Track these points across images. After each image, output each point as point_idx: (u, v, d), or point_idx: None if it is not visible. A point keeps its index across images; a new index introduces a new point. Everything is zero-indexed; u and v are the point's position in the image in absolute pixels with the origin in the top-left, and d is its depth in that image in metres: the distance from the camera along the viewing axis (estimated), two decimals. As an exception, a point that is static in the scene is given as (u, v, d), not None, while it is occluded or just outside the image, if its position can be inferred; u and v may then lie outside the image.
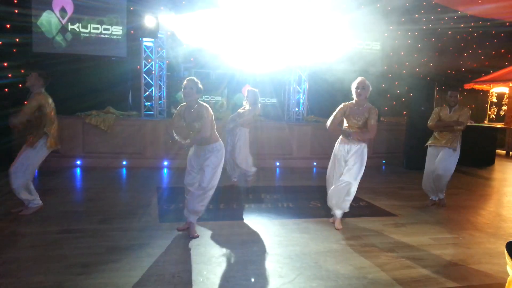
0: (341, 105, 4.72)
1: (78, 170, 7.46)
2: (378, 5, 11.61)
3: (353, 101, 4.68)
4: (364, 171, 4.67)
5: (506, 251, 2.73)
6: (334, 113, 4.73)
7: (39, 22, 9.02)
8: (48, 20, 9.06)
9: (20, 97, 9.16)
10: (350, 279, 3.31)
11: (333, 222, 4.73)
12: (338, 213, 4.66)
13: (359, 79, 4.65)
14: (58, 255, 3.56)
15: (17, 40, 9.10)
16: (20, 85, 9.18)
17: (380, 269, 3.52)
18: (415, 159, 8.43)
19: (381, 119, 10.13)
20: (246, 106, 6.35)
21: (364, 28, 11.06)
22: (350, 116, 4.64)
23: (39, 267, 3.31)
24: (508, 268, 2.80)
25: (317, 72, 10.27)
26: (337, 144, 4.77)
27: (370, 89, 4.65)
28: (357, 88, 4.59)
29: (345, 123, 4.74)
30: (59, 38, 9.19)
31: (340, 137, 4.75)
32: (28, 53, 9.00)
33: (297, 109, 10.07)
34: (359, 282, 3.26)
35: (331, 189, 4.69)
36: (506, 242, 2.76)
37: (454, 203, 6.05)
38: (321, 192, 6.47)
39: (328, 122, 4.74)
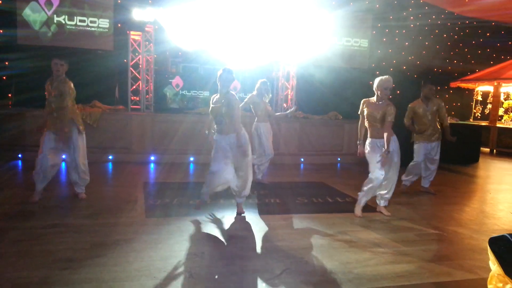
0: (362, 101, 4.97)
1: (63, 165, 7.35)
2: (367, 2, 11.67)
3: (374, 98, 4.88)
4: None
5: (488, 247, 2.78)
6: (360, 112, 5.01)
7: (24, 14, 8.85)
8: (33, 12, 8.90)
9: (4, 89, 9.05)
10: (335, 274, 3.34)
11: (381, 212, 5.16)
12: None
13: (389, 78, 4.78)
14: (42, 250, 3.52)
15: (1, 31, 8.93)
16: (4, 78, 9.02)
17: (365, 264, 3.56)
18: (401, 156, 8.47)
19: None
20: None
21: (352, 26, 11.11)
22: (371, 111, 4.84)
23: (23, 262, 3.27)
24: (491, 264, 2.85)
25: (305, 69, 10.29)
26: (368, 145, 4.96)
27: None
28: (388, 88, 4.75)
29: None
30: (44, 30, 9.03)
31: (369, 136, 4.97)
32: (12, 45, 8.83)
33: (285, 105, 10.08)
34: (344, 277, 3.29)
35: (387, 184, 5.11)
36: (488, 238, 2.81)
37: (439, 199, 6.14)
38: (308, 188, 6.52)
39: (360, 123, 5.09)
